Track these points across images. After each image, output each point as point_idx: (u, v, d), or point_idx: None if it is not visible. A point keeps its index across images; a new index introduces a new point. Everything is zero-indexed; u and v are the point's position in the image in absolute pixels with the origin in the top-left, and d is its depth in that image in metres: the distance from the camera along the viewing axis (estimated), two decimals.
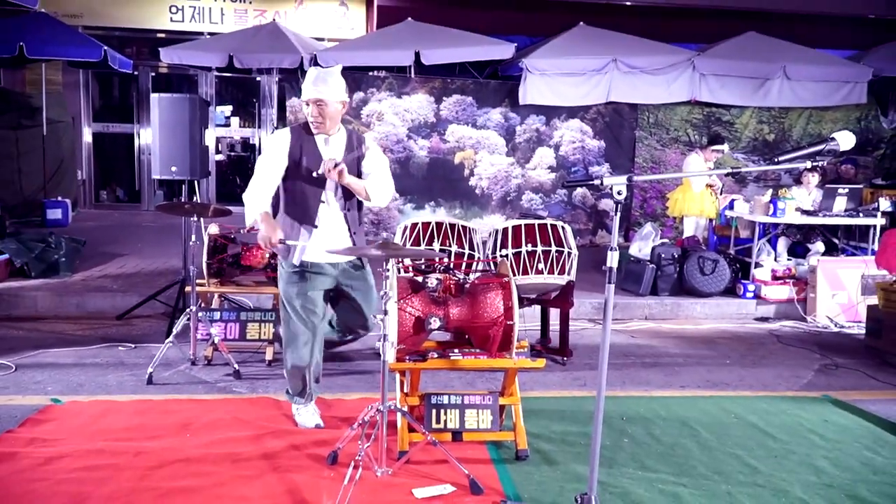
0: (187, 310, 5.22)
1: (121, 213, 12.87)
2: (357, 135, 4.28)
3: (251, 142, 14.15)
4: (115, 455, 3.78)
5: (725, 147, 9.06)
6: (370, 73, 10.88)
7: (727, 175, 10.89)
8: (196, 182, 6.67)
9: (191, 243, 5.26)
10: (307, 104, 4.03)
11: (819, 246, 8.49)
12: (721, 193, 9.06)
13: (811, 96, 10.19)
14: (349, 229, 4.12)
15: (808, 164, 3.19)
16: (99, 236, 9.93)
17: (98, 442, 3.94)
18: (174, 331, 5.24)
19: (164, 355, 5.10)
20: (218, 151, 14.05)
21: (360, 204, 4.19)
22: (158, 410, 4.44)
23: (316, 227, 4.05)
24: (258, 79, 13.30)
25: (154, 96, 6.32)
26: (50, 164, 11.75)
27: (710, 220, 9.24)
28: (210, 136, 12.01)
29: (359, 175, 4.10)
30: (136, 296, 6.86)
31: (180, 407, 4.51)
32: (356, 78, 10.78)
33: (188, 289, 5.31)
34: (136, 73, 12.57)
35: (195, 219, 5.24)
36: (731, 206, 9.07)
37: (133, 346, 5.83)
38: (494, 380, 5.06)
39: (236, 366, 5.14)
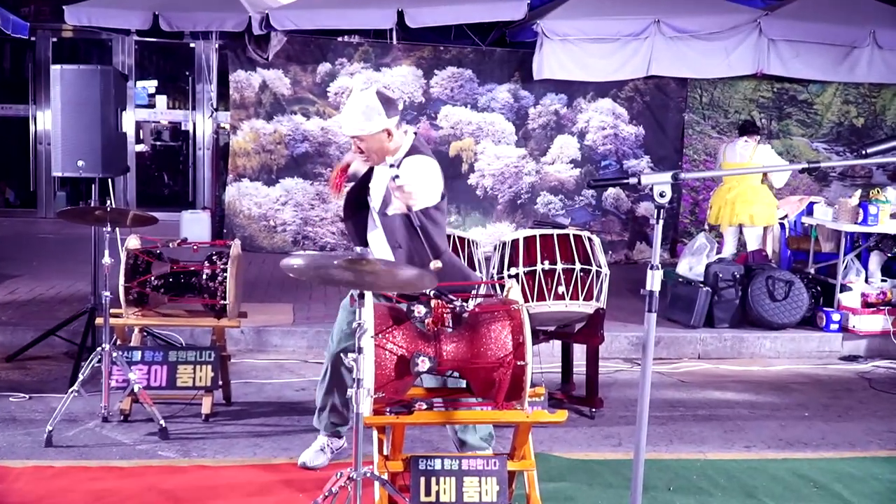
0: (98, 349, 5.19)
1: (11, 221, 12.85)
2: (411, 153, 4.42)
3: (183, 127, 14.17)
4: None
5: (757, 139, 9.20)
6: (339, 39, 10.94)
7: (803, 171, 10.95)
8: (110, 181, 6.67)
9: (103, 261, 5.25)
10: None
11: None
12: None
13: None
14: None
15: None
16: None
17: None
18: (80, 377, 5.21)
19: (68, 408, 5.07)
20: (139, 140, 14.06)
21: (418, 239, 4.37)
22: (61, 480, 4.42)
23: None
24: (192, 45, 13.32)
25: (55, 68, 6.32)
26: None
27: (782, 229, 9.30)
28: (129, 121, 12.03)
29: None
30: (30, 330, 6.84)
31: (90, 476, 4.49)
32: (321, 45, 10.85)
33: (99, 321, 5.29)
34: (32, 38, 12.59)
35: (109, 229, 5.23)
36: (809, 212, 9.12)
37: (27, 396, 5.81)
38: (502, 438, 5.06)
39: (162, 422, 5.12)
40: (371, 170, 4.48)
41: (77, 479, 4.45)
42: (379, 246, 4.43)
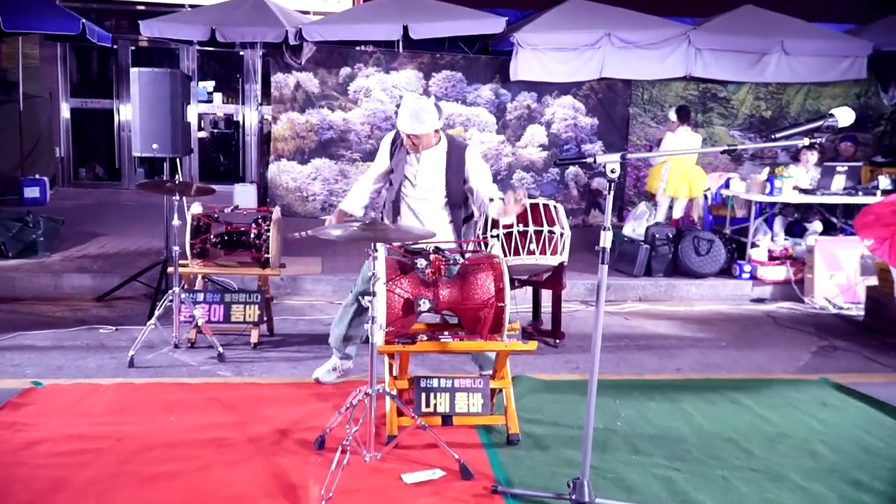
0: (170, 291, 5.20)
1: (100, 192, 12.78)
2: (457, 147, 4.46)
3: (235, 118, 14.07)
4: (97, 439, 3.78)
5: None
6: (357, 48, 10.82)
7: (723, 153, 10.87)
8: (178, 160, 6.61)
9: (173, 223, 5.23)
10: (404, 134, 4.30)
11: (817, 225, 8.51)
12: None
13: (809, 71, 10.19)
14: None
15: (806, 141, 3.18)
16: (78, 215, 9.86)
17: (79, 426, 3.93)
18: (156, 313, 5.22)
19: (146, 338, 5.08)
20: (200, 128, 13.97)
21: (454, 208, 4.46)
22: (141, 394, 4.43)
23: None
24: (241, 53, 13.19)
25: (134, 71, 6.24)
26: (27, 140, 11.64)
27: (705, 199, 9.27)
28: (192, 113, 11.90)
29: (461, 183, 4.41)
30: (116, 276, 6.83)
31: (163, 391, 4.50)
32: (342, 53, 10.73)
33: (171, 269, 5.29)
34: (115, 46, 12.42)
35: (177, 197, 5.21)
36: (726, 185, 9.09)
37: (114, 328, 5.81)
38: None
39: (220, 349, 5.13)
40: (403, 157, 4.41)
41: (153, 393, 4.45)
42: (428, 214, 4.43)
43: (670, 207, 9.32)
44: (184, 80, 6.35)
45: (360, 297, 4.46)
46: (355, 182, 4.70)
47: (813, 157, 8.77)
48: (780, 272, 7.88)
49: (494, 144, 11.05)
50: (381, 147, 4.59)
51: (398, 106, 4.49)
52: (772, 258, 8.02)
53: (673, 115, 9.24)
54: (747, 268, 7.90)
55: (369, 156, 10.15)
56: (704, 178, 9.08)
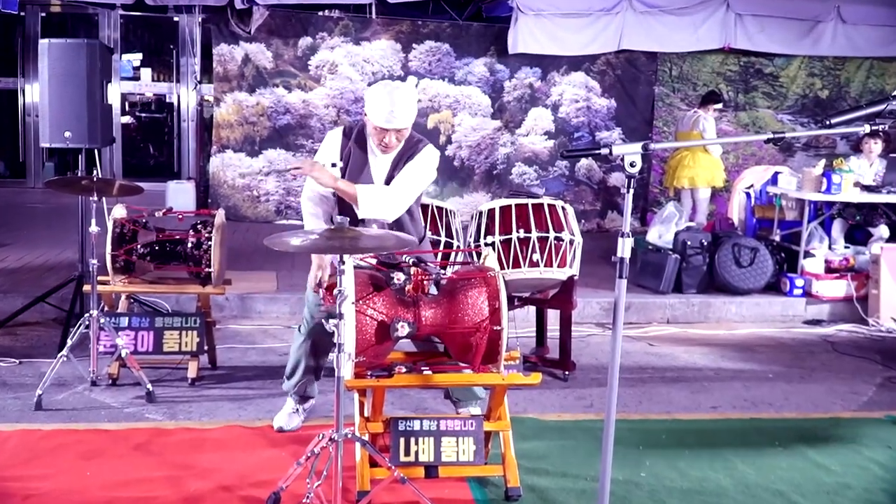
0: (86, 315, 5.18)
1: (0, 192, 12.73)
2: (414, 144, 4.47)
3: (167, 100, 14.07)
4: None
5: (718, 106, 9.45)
6: (320, 14, 10.85)
7: (768, 141, 10.96)
8: (96, 151, 6.61)
9: (90, 230, 5.21)
10: (378, 130, 4.28)
11: (883, 230, 8.57)
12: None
13: (871, 44, 10.33)
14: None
15: (868, 128, 3.23)
16: None
17: None
18: (69, 342, 5.19)
19: (57, 373, 5.05)
20: (125, 112, 13.95)
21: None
22: (51, 443, 4.40)
23: None
24: (176, 19, 13.20)
25: (43, 42, 6.24)
26: None
27: (748, 197, 9.34)
28: (114, 93, 11.89)
29: None
30: (20, 297, 6.80)
31: (78, 438, 4.48)
32: (302, 19, 10.76)
33: (87, 288, 5.27)
34: (22, 13, 12.41)
35: (95, 198, 5.19)
36: (774, 181, 9.15)
37: (17, 361, 5.78)
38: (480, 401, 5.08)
39: (149, 386, 5.11)
40: (363, 158, 4.44)
41: (66, 442, 4.42)
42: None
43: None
44: (104, 53, 6.35)
45: (315, 328, 4.46)
46: (306, 192, 4.66)
47: (877, 146, 8.85)
48: (840, 287, 7.93)
49: (489, 131, 11.10)
50: (326, 146, 4.54)
51: (367, 93, 4.41)
52: (829, 270, 8.07)
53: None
54: (799, 282, 7.95)
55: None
56: (708, 166, 9.26)
